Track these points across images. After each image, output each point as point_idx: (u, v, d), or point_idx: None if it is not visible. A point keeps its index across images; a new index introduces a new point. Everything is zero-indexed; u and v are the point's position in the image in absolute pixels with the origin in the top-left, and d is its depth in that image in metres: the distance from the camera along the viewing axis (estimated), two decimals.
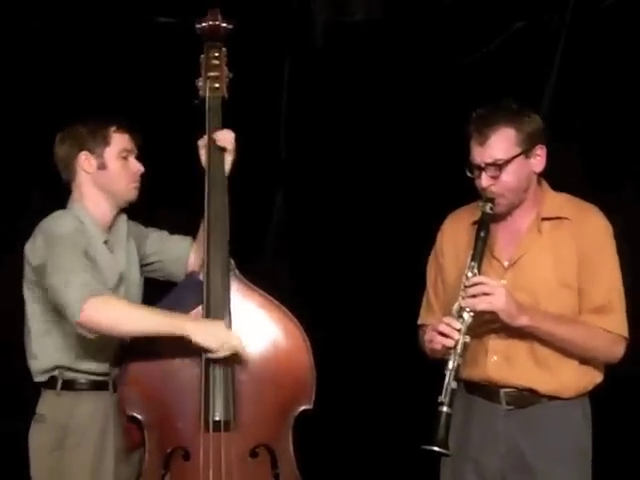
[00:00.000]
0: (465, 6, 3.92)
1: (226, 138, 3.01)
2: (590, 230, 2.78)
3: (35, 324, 2.95)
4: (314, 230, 4.05)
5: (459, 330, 2.66)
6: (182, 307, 2.87)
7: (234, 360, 2.82)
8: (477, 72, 3.89)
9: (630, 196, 3.82)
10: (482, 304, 2.67)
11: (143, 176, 3.06)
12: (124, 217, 3.10)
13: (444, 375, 2.65)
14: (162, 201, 3.70)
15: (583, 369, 2.78)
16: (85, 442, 2.92)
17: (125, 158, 3.02)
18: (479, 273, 2.70)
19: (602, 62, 3.80)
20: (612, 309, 2.75)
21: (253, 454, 2.86)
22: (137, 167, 3.05)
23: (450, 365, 2.65)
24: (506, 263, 2.80)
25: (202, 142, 3.04)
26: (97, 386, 2.97)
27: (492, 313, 2.69)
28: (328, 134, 4.03)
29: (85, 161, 3.00)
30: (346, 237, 4.00)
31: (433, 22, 3.95)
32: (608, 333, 2.75)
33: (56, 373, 2.93)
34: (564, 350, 2.75)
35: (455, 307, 2.69)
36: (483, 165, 2.73)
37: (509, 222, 2.83)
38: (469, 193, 2.85)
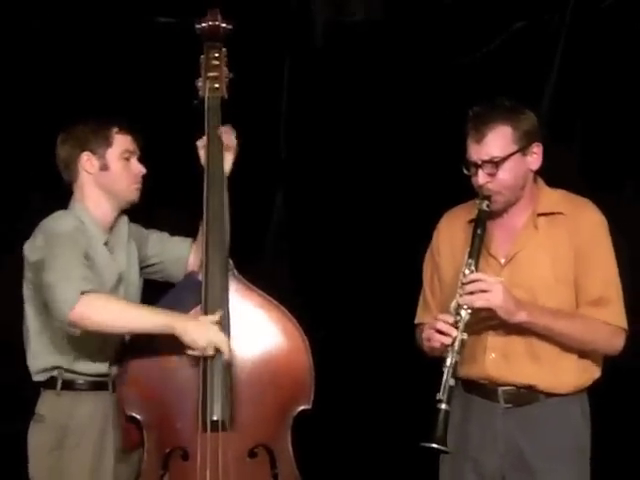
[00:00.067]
0: (465, 6, 3.92)
1: (229, 135, 3.02)
2: (585, 225, 2.78)
3: (33, 323, 2.95)
4: (314, 230, 4.04)
5: (457, 327, 2.66)
6: (181, 307, 2.86)
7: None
8: (477, 72, 3.89)
9: (630, 196, 3.82)
10: (480, 301, 2.66)
11: (143, 177, 3.06)
12: (125, 218, 3.10)
13: (442, 373, 2.65)
14: (162, 201, 3.69)
15: (582, 365, 2.78)
16: (84, 442, 2.92)
17: (127, 159, 3.02)
18: (476, 270, 2.70)
19: (602, 62, 3.79)
20: (609, 301, 2.75)
21: (252, 454, 2.86)
22: (139, 168, 3.05)
23: (448, 362, 2.65)
24: (502, 260, 2.80)
25: (201, 142, 3.04)
26: (97, 386, 2.96)
27: (490, 310, 2.68)
28: (328, 134, 4.02)
29: (87, 162, 3.00)
30: (345, 237, 4.00)
31: (433, 22, 3.95)
32: (607, 325, 2.75)
33: (56, 373, 2.93)
34: (563, 345, 2.74)
35: (453, 305, 2.69)
36: (480, 162, 2.73)
37: (505, 219, 2.83)
38: (465, 192, 2.85)
